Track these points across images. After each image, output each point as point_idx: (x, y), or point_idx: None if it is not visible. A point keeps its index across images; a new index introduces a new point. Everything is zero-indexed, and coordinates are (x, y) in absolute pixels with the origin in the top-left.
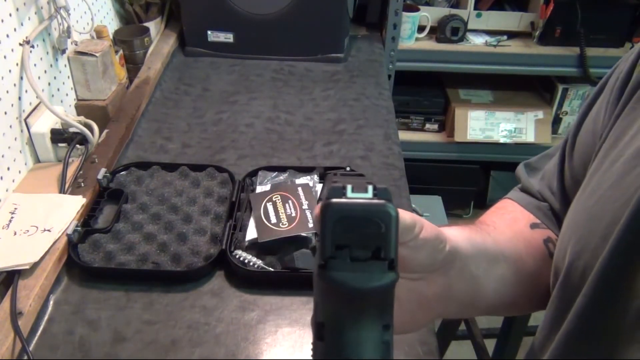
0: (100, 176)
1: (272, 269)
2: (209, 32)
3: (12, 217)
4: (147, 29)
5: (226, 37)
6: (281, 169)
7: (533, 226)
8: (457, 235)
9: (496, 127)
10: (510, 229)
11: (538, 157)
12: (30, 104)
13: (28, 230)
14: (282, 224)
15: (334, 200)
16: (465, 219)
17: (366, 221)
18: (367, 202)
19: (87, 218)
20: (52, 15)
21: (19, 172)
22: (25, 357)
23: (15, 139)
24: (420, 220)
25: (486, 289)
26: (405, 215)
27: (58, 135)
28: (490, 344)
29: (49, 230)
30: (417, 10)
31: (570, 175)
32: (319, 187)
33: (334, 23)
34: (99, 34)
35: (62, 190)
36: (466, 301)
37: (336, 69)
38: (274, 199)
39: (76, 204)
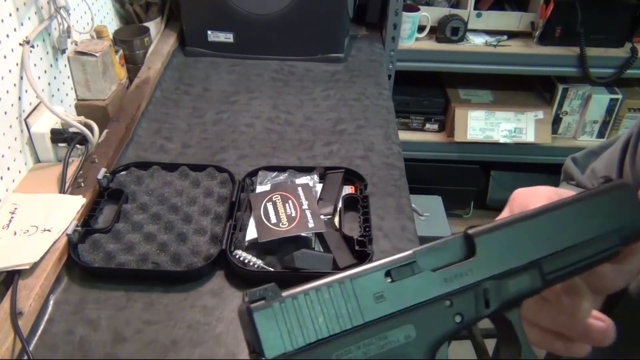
0: (100, 176)
1: (272, 269)
2: (209, 32)
3: (12, 217)
4: (147, 29)
5: (226, 37)
6: (281, 169)
7: None
8: None
9: (496, 127)
10: None
11: (582, 154)
12: (30, 104)
13: (28, 230)
14: (282, 224)
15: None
16: (465, 219)
17: None
18: None
19: (87, 218)
20: (52, 15)
21: (19, 172)
22: (25, 357)
23: (15, 139)
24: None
25: None
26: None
27: (58, 135)
28: (490, 344)
29: (49, 230)
30: (417, 10)
31: (632, 177)
32: (319, 187)
33: (334, 23)
34: (99, 34)
35: (62, 190)
36: None
37: (336, 69)
38: (274, 199)
39: (76, 204)
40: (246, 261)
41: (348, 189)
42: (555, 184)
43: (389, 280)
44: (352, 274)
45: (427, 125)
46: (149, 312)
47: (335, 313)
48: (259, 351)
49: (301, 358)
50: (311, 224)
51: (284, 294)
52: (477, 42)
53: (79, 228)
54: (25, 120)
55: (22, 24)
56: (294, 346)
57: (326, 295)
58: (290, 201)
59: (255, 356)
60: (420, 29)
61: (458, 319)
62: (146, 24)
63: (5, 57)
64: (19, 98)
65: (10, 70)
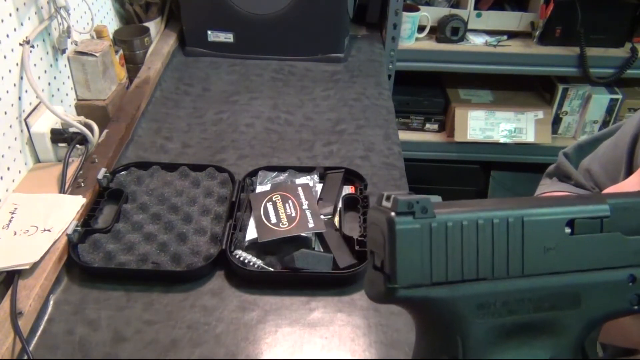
0: (100, 176)
1: (272, 269)
2: (209, 32)
3: (12, 217)
4: (147, 29)
5: (226, 37)
6: (281, 169)
7: None
8: None
9: (496, 127)
10: None
11: (572, 148)
12: (30, 104)
13: (28, 230)
14: (282, 224)
15: None
16: None
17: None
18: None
19: (87, 218)
20: (52, 15)
21: (19, 172)
22: (25, 357)
23: (15, 139)
24: None
25: None
26: None
27: (58, 135)
28: None
29: (49, 230)
30: (417, 10)
31: None
32: (319, 187)
33: (334, 23)
34: (99, 34)
35: (62, 190)
36: None
37: (336, 69)
38: (274, 199)
39: (76, 204)
40: (246, 261)
41: (348, 189)
42: None
43: (569, 231)
44: (525, 211)
45: (427, 125)
46: (149, 312)
47: (492, 255)
48: (389, 273)
49: (434, 296)
50: (311, 224)
51: (437, 210)
52: (477, 42)
53: (79, 228)
54: (25, 120)
55: (22, 24)
56: (432, 279)
57: (487, 230)
58: (290, 201)
59: (380, 276)
60: (420, 29)
61: (635, 300)
62: (146, 24)
63: (5, 57)
64: (19, 98)
65: (10, 70)
